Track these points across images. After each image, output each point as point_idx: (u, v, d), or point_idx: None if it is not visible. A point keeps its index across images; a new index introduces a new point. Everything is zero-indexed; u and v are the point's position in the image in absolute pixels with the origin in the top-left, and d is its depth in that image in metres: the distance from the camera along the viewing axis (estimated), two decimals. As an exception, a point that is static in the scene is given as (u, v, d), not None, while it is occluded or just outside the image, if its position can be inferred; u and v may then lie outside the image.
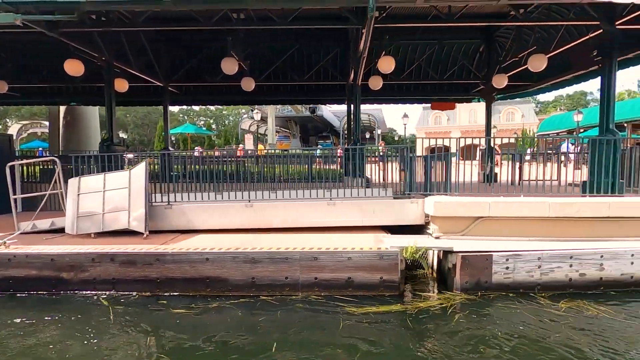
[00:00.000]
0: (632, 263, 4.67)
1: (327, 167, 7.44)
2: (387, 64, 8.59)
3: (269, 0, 5.25)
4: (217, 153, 14.24)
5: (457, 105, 50.02)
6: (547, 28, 8.73)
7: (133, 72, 9.26)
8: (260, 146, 21.62)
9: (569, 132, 29.91)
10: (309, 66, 11.04)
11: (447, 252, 4.75)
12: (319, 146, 38.61)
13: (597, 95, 78.69)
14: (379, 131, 45.88)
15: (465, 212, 5.08)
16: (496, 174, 11.03)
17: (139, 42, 9.12)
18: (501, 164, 11.27)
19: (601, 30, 7.03)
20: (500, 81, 10.40)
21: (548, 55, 8.99)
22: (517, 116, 49.39)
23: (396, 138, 56.74)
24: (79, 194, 5.39)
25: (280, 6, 5.80)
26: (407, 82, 12.45)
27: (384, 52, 8.94)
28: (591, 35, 7.61)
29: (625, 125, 23.90)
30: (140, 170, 5.37)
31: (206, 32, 8.40)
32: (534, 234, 5.10)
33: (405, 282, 5.01)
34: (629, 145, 7.88)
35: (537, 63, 8.64)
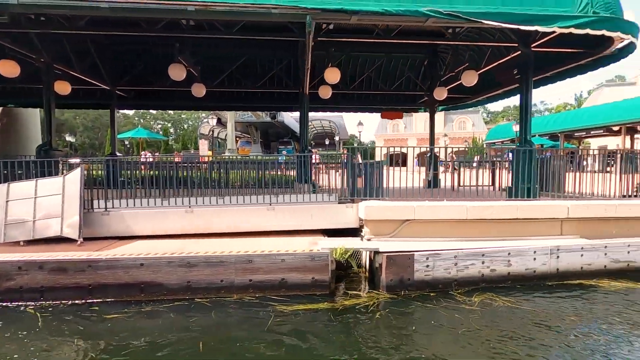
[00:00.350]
0: (534, 259, 5.29)
1: (275, 173, 7.64)
2: (332, 75, 8.99)
3: (207, 12, 5.41)
4: (177, 159, 14.04)
5: (414, 114, 52.39)
6: (478, 47, 9.53)
7: (76, 74, 9.00)
8: (208, 152, 21.36)
9: (512, 141, 32.14)
10: (262, 74, 11.23)
11: (375, 253, 5.13)
12: (284, 152, 38.59)
13: (540, 106, 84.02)
14: (337, 138, 46.67)
15: (393, 215, 5.50)
16: (440, 179, 11.75)
17: (83, 44, 8.89)
18: (454, 169, 11.98)
19: (520, 52, 7.82)
20: (441, 94, 11.18)
21: (480, 72, 9.85)
22: (469, 125, 52.28)
23: (355, 144, 57.79)
24: (7, 201, 5.23)
25: (220, 17, 5.98)
26: (358, 92, 12.98)
27: (330, 64, 9.33)
28: (512, 55, 8.46)
29: (559, 135, 26.18)
30: (74, 176, 5.30)
31: (154, 36, 8.38)
32: (455, 234, 5.62)
33: (341, 281, 5.34)
34: (561, 153, 8.65)
35: (469, 78, 9.42)
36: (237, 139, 52.82)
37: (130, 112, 60.73)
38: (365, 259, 5.69)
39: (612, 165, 7.74)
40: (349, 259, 5.05)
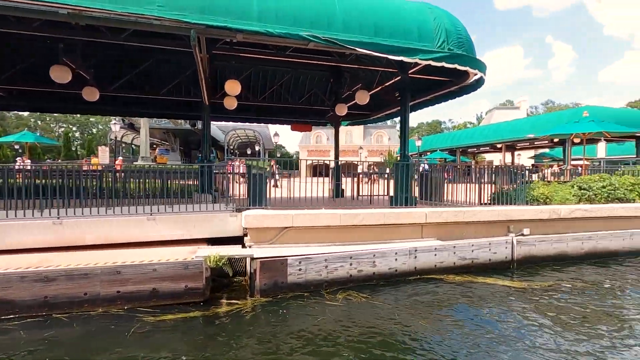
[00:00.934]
0: (396, 259, 6.03)
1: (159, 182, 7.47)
2: (232, 87, 9.18)
3: (81, 16, 5.27)
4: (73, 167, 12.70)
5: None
6: (370, 70, 10.51)
7: None
8: (94, 160, 19.89)
9: (420, 155, 35.28)
10: (164, 81, 10.96)
11: (251, 259, 5.39)
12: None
13: (449, 124, 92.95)
14: (257, 147, 46.51)
15: (272, 223, 5.85)
16: (343, 189, 12.53)
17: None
18: (372, 179, 12.73)
19: (400, 77, 8.84)
20: (341, 110, 11.99)
21: (372, 92, 10.87)
22: (385, 139, 56.01)
23: (278, 155, 58.24)
24: None
25: (97, 23, 5.84)
26: (269, 104, 13.29)
27: (231, 76, 9.51)
28: (395, 80, 9.54)
29: (456, 150, 29.45)
30: None
31: (38, 35, 7.75)
32: (331, 240, 6.15)
33: (222, 289, 5.48)
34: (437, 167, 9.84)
35: (362, 97, 10.33)
36: (156, 146, 49.77)
37: (25, 113, 53.62)
38: (247, 266, 5.92)
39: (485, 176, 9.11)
40: (223, 265, 5.23)
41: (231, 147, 61.92)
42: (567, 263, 7.32)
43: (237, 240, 6.19)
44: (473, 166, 10.90)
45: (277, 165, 21.95)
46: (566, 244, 7.49)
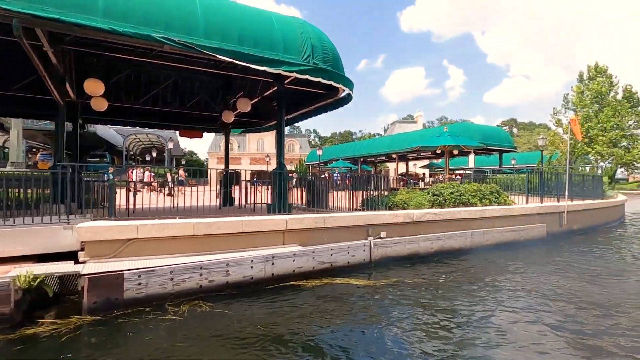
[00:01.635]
0: (252, 267, 6.05)
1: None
2: (93, 86, 8.40)
3: None
4: None
5: (247, 134, 51.79)
6: (251, 79, 10.54)
7: None
8: None
9: (324, 164, 36.57)
10: (17, 78, 9.55)
11: (78, 276, 4.89)
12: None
13: (359, 134, 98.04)
14: (155, 153, 43.75)
15: (112, 235, 5.41)
16: (233, 197, 12.24)
17: None
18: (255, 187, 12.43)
19: (277, 87, 9.01)
20: (228, 117, 11.80)
21: (255, 101, 10.92)
22: (297, 147, 56.97)
23: (183, 161, 55.24)
24: None
25: None
26: (153, 108, 12.45)
27: (92, 75, 8.69)
28: (273, 90, 9.72)
29: (357, 159, 31.15)
30: None
31: None
32: (185, 250, 5.92)
33: (49, 311, 4.85)
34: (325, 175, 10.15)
35: (243, 105, 10.32)
36: (37, 150, 43.29)
37: None
38: (78, 283, 5.36)
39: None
40: (44, 285, 4.65)
41: (131, 153, 56.93)
42: (418, 261, 8.17)
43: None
44: (353, 175, 11.61)
45: (186, 174, 20.71)
46: (418, 244, 8.37)
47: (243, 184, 12.37)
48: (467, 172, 23.03)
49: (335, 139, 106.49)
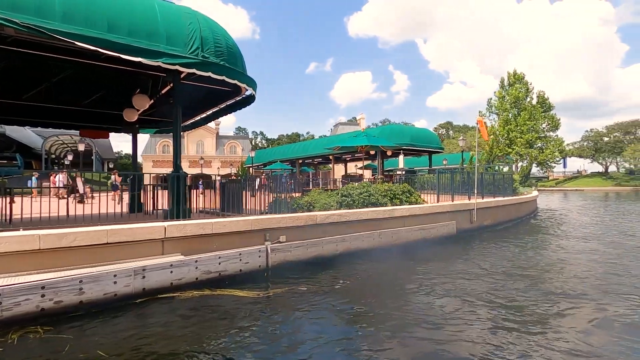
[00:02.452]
0: (115, 282, 5.33)
1: None
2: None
3: None
4: None
5: (185, 135, 50.30)
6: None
7: None
8: None
9: (265, 165, 35.80)
10: None
11: None
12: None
13: (306, 136, 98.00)
14: (76, 156, 40.43)
15: None
16: (142, 203, 11.23)
17: None
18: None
19: (172, 84, 8.30)
20: (130, 115, 10.79)
21: (159, 98, 10.07)
22: (239, 149, 55.49)
23: (111, 165, 51.64)
24: None
25: None
26: (46, 105, 11.07)
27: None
28: (170, 86, 8.99)
29: (295, 161, 30.79)
30: None
31: None
32: (30, 268, 5.06)
33: None
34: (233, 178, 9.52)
35: (140, 102, 9.46)
36: None
37: None
38: None
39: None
40: None
41: (53, 156, 51.98)
42: (322, 265, 7.89)
43: None
44: (267, 176, 11.15)
45: (120, 178, 18.91)
46: (322, 247, 8.11)
47: (149, 188, 11.49)
48: (398, 172, 23.68)
49: (283, 140, 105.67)
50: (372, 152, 23.80)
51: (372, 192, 9.72)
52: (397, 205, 10.24)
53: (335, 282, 6.98)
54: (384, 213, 9.50)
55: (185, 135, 55.49)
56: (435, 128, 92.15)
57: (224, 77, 7.44)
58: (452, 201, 12.24)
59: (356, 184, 9.98)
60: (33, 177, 23.47)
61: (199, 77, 8.38)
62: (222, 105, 10.68)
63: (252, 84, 8.31)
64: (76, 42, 5.77)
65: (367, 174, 38.92)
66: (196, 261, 6.22)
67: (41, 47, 6.96)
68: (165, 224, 6.26)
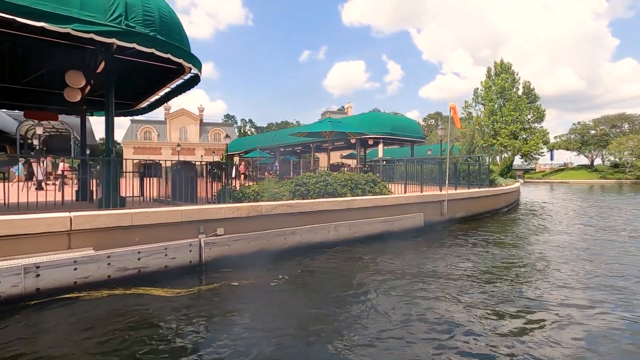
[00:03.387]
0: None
1: None
2: None
3: None
4: None
5: (168, 121, 49.23)
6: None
7: None
8: None
9: (246, 153, 34.87)
10: None
11: None
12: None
13: (294, 124, 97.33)
14: (51, 141, 39.11)
15: None
16: (92, 191, 10.44)
17: None
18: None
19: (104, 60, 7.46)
20: (71, 95, 9.88)
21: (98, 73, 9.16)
22: (222, 136, 54.33)
23: (88, 151, 49.98)
24: None
25: None
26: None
27: None
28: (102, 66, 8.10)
29: (276, 149, 30.00)
30: None
31: None
32: None
33: None
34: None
35: (74, 79, 8.59)
36: None
37: None
38: None
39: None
40: None
41: (29, 141, 50.36)
42: (267, 260, 7.23)
43: None
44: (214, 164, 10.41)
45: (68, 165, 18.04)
46: (267, 240, 7.43)
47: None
48: (374, 162, 23.09)
49: (272, 129, 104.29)
50: (353, 141, 23.17)
51: (330, 181, 9.03)
52: (358, 195, 9.58)
53: (274, 278, 6.32)
54: (342, 204, 8.84)
55: (168, 121, 54.08)
56: (424, 119, 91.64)
57: (152, 50, 6.62)
58: (421, 192, 11.64)
59: (312, 173, 9.30)
60: (19, 163, 22.19)
61: (136, 52, 7.55)
62: (173, 86, 9.90)
63: (191, 59, 7.49)
64: (-44, 0, 4.90)
65: (353, 163, 38.31)
66: (108, 257, 5.48)
67: None
68: (72, 214, 5.48)
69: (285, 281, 6.21)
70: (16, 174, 19.22)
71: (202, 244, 6.55)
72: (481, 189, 14.84)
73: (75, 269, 5.18)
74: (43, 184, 14.44)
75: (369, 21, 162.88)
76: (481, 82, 34.65)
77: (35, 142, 34.35)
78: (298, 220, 8.09)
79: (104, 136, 7.99)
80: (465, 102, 34.57)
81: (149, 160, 11.46)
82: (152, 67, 9.03)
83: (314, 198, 8.68)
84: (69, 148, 49.23)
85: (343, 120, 27.42)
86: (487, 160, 19.26)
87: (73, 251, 5.43)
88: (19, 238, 5.08)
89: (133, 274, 5.72)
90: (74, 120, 50.60)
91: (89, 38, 6.00)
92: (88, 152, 54.57)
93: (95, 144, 60.96)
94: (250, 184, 9.71)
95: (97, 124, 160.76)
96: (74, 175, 14.62)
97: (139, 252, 5.79)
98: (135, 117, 56.49)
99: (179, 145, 39.79)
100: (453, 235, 10.60)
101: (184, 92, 9.19)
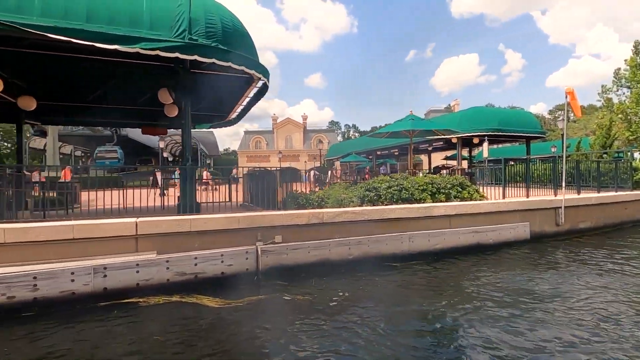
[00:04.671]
0: (72, 280, 5.12)
1: None
2: (26, 103, 8.18)
3: None
4: None
5: (275, 130, 53.06)
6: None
7: None
8: None
9: (342, 158, 34.88)
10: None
11: None
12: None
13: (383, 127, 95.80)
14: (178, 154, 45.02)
15: None
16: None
17: None
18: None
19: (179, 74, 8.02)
20: (170, 111, 11.03)
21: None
22: (325, 143, 55.84)
23: (208, 161, 56.58)
24: None
25: None
26: (106, 107, 12.16)
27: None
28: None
29: (372, 153, 29.32)
30: None
31: None
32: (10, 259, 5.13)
33: None
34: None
35: (164, 97, 9.46)
36: (84, 154, 46.64)
37: None
38: None
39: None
40: None
41: (167, 153, 59.64)
42: (328, 272, 6.73)
43: None
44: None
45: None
46: (329, 249, 6.92)
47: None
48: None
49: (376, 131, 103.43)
50: (454, 141, 21.05)
51: (405, 185, 8.05)
52: (441, 201, 8.35)
53: (334, 295, 5.76)
54: (419, 211, 7.78)
55: (275, 130, 58.23)
56: (550, 111, 79.28)
57: (213, 60, 6.79)
58: (527, 197, 9.64)
59: (386, 177, 8.42)
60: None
61: (209, 65, 7.90)
62: (250, 95, 10.27)
63: (254, 66, 7.52)
64: (48, 35, 5.69)
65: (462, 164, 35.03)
66: (167, 261, 5.71)
67: (61, 49, 7.27)
68: (138, 219, 5.88)
69: (347, 300, 5.57)
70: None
71: (259, 252, 6.40)
72: (618, 193, 11.67)
73: (138, 272, 5.50)
74: (165, 191, 16.63)
75: (483, 10, 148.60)
76: (625, 61, 28.01)
77: (166, 154, 39.96)
78: (365, 229, 7.38)
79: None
80: (603, 86, 28.34)
81: (256, 167, 11.99)
82: (230, 78, 9.45)
83: (386, 204, 7.84)
84: (196, 159, 56.47)
85: (441, 118, 25.22)
86: (632, 156, 15.20)
87: (138, 254, 5.80)
88: (95, 241, 5.63)
89: (190, 279, 5.85)
90: (201, 133, 57.90)
91: (155, 55, 6.42)
92: (208, 161, 61.09)
93: (218, 154, 68.99)
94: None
95: (224, 136, 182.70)
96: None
97: (195, 258, 5.91)
98: (248, 128, 62.37)
99: (280, 152, 42.25)
100: (572, 251, 8.45)
101: (259, 99, 9.50)
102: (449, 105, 77.49)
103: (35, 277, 4.94)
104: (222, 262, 6.11)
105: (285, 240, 6.71)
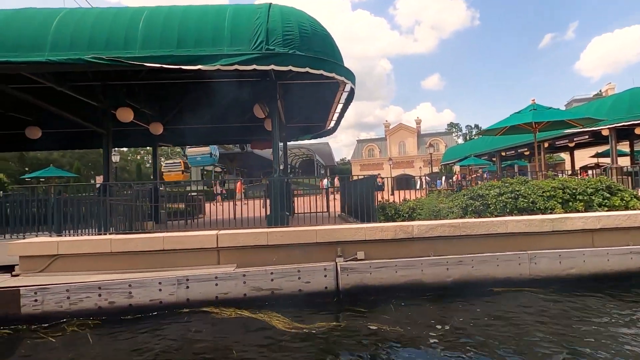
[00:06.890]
0: (160, 290, 5.40)
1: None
2: (124, 114, 9.45)
3: None
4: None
5: (387, 137, 52.49)
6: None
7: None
8: None
9: (461, 161, 31.76)
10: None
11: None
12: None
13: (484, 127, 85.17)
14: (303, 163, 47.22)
15: (36, 251, 5.75)
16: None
17: None
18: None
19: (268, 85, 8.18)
20: (268, 124, 11.50)
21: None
22: (441, 147, 52.13)
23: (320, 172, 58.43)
24: None
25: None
26: (216, 126, 13.53)
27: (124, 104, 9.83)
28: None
29: (495, 153, 25.91)
30: None
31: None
32: (101, 268, 5.78)
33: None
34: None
35: (258, 111, 9.81)
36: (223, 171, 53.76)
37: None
38: None
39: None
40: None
41: (290, 165, 64.23)
42: (422, 297, 5.72)
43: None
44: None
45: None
46: (421, 270, 5.88)
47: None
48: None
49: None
50: (605, 133, 16.94)
51: (523, 191, 6.41)
52: (577, 211, 6.39)
53: (431, 328, 4.77)
54: (542, 224, 6.06)
55: (388, 137, 57.08)
56: None
57: (290, 67, 6.60)
58: None
59: (497, 181, 6.83)
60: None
61: (296, 74, 7.82)
62: (342, 101, 9.99)
63: (334, 68, 7.11)
64: (145, 64, 6.32)
65: (618, 162, 28.02)
66: (244, 275, 5.61)
67: (171, 77, 8.19)
68: (219, 232, 5.97)
69: (448, 336, 4.51)
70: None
71: (339, 269, 5.81)
72: None
73: (217, 285, 5.53)
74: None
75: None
76: None
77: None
78: (468, 246, 6.09)
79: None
80: None
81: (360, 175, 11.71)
82: (318, 87, 9.27)
83: (496, 216, 6.36)
84: (313, 170, 59.17)
85: (583, 106, 20.56)
86: None
87: (219, 267, 5.87)
88: (179, 252, 5.90)
89: (267, 294, 5.62)
90: (317, 145, 60.31)
91: (234, 70, 6.55)
92: (323, 171, 62.96)
93: (334, 164, 71.09)
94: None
95: (342, 147, 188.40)
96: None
97: (271, 273, 5.67)
98: (361, 137, 62.63)
99: (390, 159, 40.94)
100: None
101: (349, 104, 9.20)
102: (599, 92, 63.97)
103: (130, 285, 5.37)
104: (299, 278, 5.72)
105: (368, 257, 5.98)
